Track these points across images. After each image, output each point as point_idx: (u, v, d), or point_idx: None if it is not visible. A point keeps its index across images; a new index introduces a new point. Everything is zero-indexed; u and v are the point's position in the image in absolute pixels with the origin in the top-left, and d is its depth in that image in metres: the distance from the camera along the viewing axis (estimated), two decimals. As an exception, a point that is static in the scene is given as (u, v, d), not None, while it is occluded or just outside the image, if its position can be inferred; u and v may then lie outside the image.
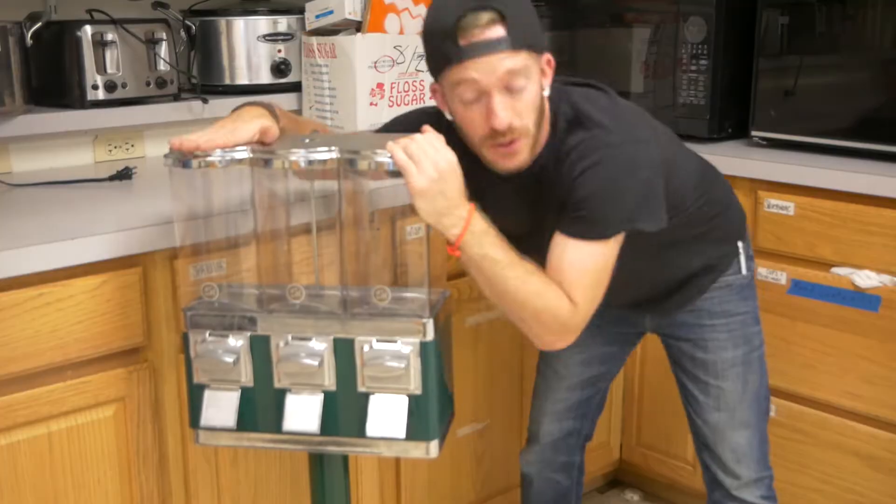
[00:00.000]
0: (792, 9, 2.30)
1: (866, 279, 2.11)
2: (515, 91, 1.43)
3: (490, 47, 1.40)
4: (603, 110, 1.52)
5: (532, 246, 1.66)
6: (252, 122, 1.49)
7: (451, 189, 1.42)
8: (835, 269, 2.16)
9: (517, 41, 1.41)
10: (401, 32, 2.31)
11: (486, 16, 1.40)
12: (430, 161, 1.41)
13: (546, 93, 1.50)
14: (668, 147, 1.64)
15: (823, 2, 2.26)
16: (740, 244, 1.80)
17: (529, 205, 1.59)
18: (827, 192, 2.15)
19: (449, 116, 1.52)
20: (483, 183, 1.54)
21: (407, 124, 1.62)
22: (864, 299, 2.12)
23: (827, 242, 2.16)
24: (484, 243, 1.46)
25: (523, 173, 1.54)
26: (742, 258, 1.80)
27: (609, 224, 1.49)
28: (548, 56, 1.50)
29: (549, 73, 1.50)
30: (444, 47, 1.43)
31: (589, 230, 1.48)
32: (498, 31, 1.40)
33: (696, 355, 1.81)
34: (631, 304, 1.82)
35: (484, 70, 1.41)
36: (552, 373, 1.96)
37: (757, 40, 2.37)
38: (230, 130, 1.48)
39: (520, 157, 1.49)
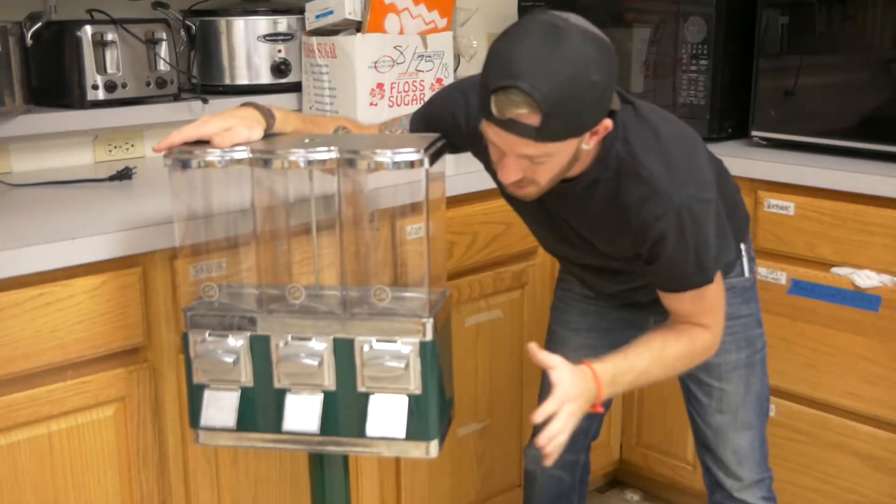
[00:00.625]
0: (792, 9, 2.30)
1: (866, 279, 2.11)
2: (535, 162, 1.41)
3: (516, 130, 1.35)
4: (659, 156, 1.49)
5: (555, 239, 1.68)
6: (226, 120, 1.49)
7: (584, 400, 1.51)
8: (835, 269, 2.16)
9: (545, 136, 1.34)
10: (401, 32, 2.31)
11: (522, 105, 1.32)
12: (573, 419, 1.50)
13: (587, 147, 1.44)
14: (707, 160, 1.62)
15: (823, 2, 2.26)
16: (743, 246, 1.80)
17: (561, 214, 1.61)
18: (827, 192, 2.15)
19: None
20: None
21: (442, 108, 1.65)
22: (864, 299, 2.12)
23: (827, 242, 2.16)
24: (620, 382, 1.57)
25: (559, 187, 1.53)
26: (745, 260, 1.80)
27: (706, 272, 1.55)
28: (605, 123, 1.41)
29: (602, 132, 1.44)
30: (483, 98, 1.38)
31: (691, 283, 1.56)
32: (531, 119, 1.33)
33: None
34: (636, 305, 1.82)
35: (503, 140, 1.38)
36: None
37: (757, 40, 2.37)
38: (200, 123, 1.49)
39: (529, 195, 1.50)
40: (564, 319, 1.93)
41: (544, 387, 2.00)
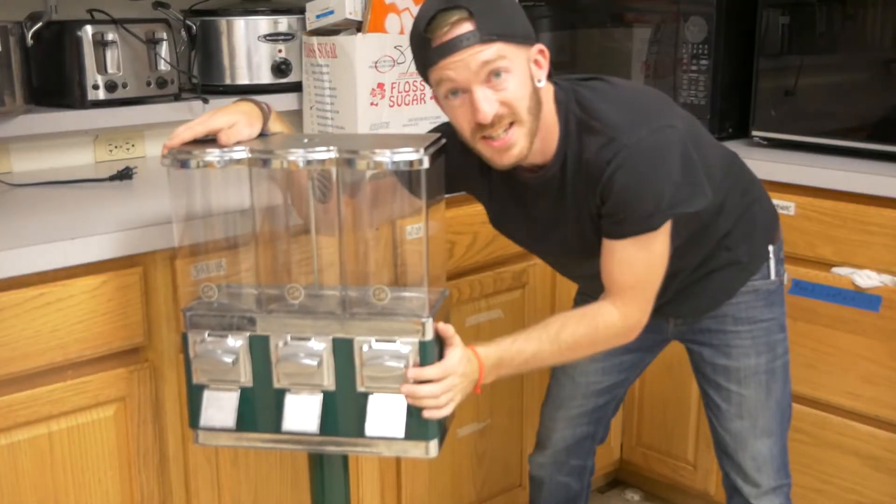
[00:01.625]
0: (792, 9, 2.30)
1: (867, 279, 2.10)
2: (497, 81, 1.44)
3: (458, 44, 1.42)
4: (612, 104, 1.52)
5: (551, 248, 1.68)
6: (231, 115, 1.51)
7: (468, 381, 1.54)
8: (835, 269, 2.16)
9: (486, 33, 1.42)
10: (401, 32, 2.31)
11: (452, 15, 1.42)
12: (450, 395, 1.51)
13: (541, 84, 1.50)
14: (688, 117, 1.63)
15: (824, 2, 2.26)
16: (771, 248, 1.77)
17: (547, 210, 1.61)
18: (827, 191, 2.15)
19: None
20: (499, 190, 1.61)
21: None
22: (864, 299, 2.12)
23: (827, 242, 2.16)
24: (505, 366, 1.57)
25: (538, 179, 1.54)
26: (772, 262, 1.77)
27: (651, 218, 1.50)
28: (539, 46, 1.50)
29: (544, 63, 1.50)
30: (420, 51, 1.47)
31: (632, 228, 1.52)
32: (465, 27, 1.42)
33: (718, 361, 1.79)
34: (654, 307, 1.79)
35: (457, 67, 1.43)
36: (568, 379, 1.93)
37: (757, 40, 2.37)
38: (207, 118, 1.50)
39: (514, 150, 1.48)
40: None
41: (551, 388, 2.00)
